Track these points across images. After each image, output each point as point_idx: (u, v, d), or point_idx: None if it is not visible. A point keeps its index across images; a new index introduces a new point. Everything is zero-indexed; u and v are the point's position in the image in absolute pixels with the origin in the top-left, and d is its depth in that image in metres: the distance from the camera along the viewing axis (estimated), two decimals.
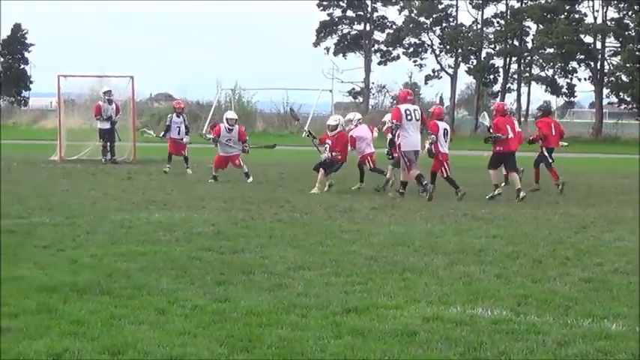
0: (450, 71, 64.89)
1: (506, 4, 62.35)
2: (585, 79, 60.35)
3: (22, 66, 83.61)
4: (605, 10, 58.30)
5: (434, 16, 63.61)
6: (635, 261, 10.70)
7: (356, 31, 68.75)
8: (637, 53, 56.16)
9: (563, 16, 57.62)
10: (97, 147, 28.62)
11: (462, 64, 64.30)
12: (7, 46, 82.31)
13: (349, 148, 20.36)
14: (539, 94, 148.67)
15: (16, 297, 8.19)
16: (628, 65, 55.94)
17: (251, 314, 7.75)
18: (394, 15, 72.52)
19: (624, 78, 57.76)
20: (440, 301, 8.45)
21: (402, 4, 65.04)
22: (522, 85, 62.91)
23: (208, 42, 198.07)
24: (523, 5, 61.43)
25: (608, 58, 59.26)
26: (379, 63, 68.29)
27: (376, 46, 68.22)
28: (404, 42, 66.06)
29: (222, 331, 7.18)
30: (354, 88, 68.65)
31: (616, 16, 58.64)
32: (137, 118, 33.54)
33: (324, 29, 68.32)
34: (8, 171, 23.52)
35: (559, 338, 7.13)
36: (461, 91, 77.61)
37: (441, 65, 65.22)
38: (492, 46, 63.62)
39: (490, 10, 63.47)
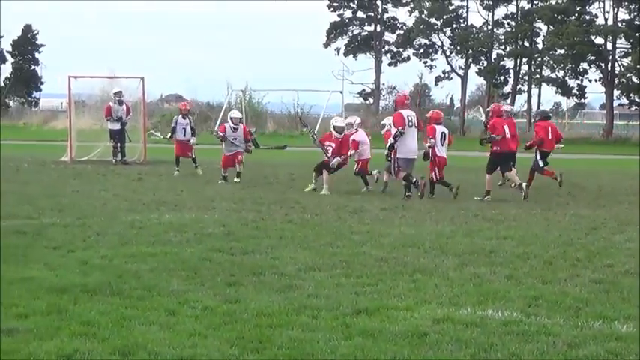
0: (461, 72, 64.85)
1: (517, 5, 62.31)
2: (596, 81, 60.34)
3: (33, 67, 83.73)
4: (615, 12, 58.25)
5: (444, 17, 63.53)
6: None
7: (366, 32, 68.76)
8: None
9: (573, 17, 57.58)
10: (108, 148, 28.64)
11: (472, 65, 64.31)
12: (18, 46, 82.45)
13: (351, 151, 20.33)
14: (549, 96, 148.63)
15: (26, 298, 8.21)
16: (638, 66, 55.76)
17: (261, 315, 7.75)
18: (405, 16, 72.94)
19: (635, 79, 57.60)
20: (450, 302, 8.44)
21: (412, 5, 64.97)
22: (533, 86, 62.81)
23: (219, 43, 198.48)
24: (533, 6, 61.35)
25: (618, 59, 59.14)
26: (390, 64, 68.36)
27: (387, 47, 68.24)
28: (414, 43, 66.02)
29: (232, 332, 7.18)
30: (364, 89, 68.68)
31: (627, 17, 58.53)
32: (147, 119, 33.52)
33: (335, 30, 68.34)
34: (17, 171, 23.59)
35: (569, 339, 7.12)
36: (471, 92, 77.66)
37: (451, 66, 65.23)
38: (503, 47, 63.58)
39: (501, 11, 63.51)
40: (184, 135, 25.17)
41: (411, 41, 65.92)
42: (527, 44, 62.48)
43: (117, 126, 27.97)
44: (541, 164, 20.65)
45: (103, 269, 9.73)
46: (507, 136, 19.10)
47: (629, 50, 57.81)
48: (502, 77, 63.60)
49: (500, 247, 11.78)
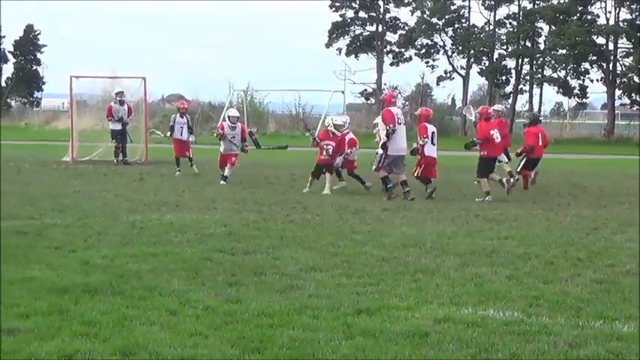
0: (462, 72, 64.75)
1: (519, 5, 62.19)
2: (597, 81, 60.26)
3: (35, 67, 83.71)
4: (617, 11, 58.14)
5: (446, 17, 63.43)
6: None
7: (368, 32, 68.64)
8: None
9: (575, 17, 57.52)
10: (109, 148, 28.66)
11: (474, 66, 64.16)
12: (20, 47, 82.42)
13: (348, 149, 20.41)
14: (551, 96, 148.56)
15: (27, 298, 8.21)
16: None
17: (262, 315, 7.76)
18: (406, 16, 72.45)
19: (636, 79, 57.57)
20: (451, 302, 8.44)
21: (414, 5, 64.92)
22: (534, 86, 62.73)
23: (220, 43, 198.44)
24: (535, 6, 61.25)
25: (620, 59, 59.06)
26: (391, 64, 68.19)
27: (388, 47, 68.09)
28: (416, 43, 65.90)
29: (233, 332, 7.19)
30: (366, 90, 68.56)
31: (628, 17, 58.48)
32: (149, 119, 33.52)
33: (337, 30, 68.22)
34: (18, 172, 23.59)
35: (570, 339, 7.12)
36: (473, 92, 77.55)
37: (453, 66, 65.11)
38: (504, 47, 63.47)
39: (502, 11, 63.36)
40: (181, 134, 25.33)
41: (412, 41, 65.82)
42: (528, 44, 62.37)
43: (118, 126, 27.97)
44: (519, 168, 20.89)
45: (104, 269, 9.74)
46: (496, 140, 18.96)
47: (631, 50, 57.73)
48: (504, 77, 63.48)
49: (502, 248, 11.79)
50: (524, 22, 61.20)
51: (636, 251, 11.67)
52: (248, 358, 6.59)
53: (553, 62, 59.91)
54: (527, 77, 62.71)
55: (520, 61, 62.43)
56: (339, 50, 68.27)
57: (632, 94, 58.52)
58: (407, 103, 61.56)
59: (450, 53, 65.16)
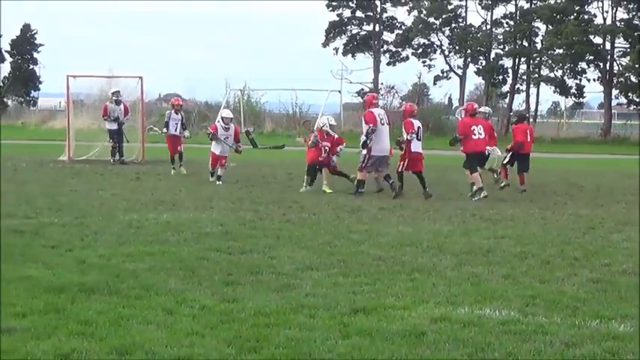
0: (459, 72, 64.76)
1: (516, 5, 62.21)
2: (594, 80, 60.27)
3: (32, 66, 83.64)
4: (614, 11, 58.23)
5: (443, 16, 63.46)
6: None
7: (365, 32, 68.63)
8: None
9: (572, 17, 57.52)
10: (106, 147, 28.65)
11: (471, 65, 64.20)
12: (17, 46, 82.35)
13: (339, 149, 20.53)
14: (548, 95, 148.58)
15: (24, 297, 8.21)
16: (637, 66, 55.75)
17: (259, 314, 7.76)
18: (403, 15, 72.64)
19: (633, 79, 57.60)
20: (448, 301, 8.44)
21: (411, 5, 64.92)
22: (531, 85, 62.75)
23: (218, 42, 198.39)
24: (532, 6, 61.28)
25: (617, 58, 59.15)
26: (388, 63, 68.20)
27: (385, 47, 68.10)
28: (413, 42, 65.91)
29: (230, 332, 7.19)
30: (362, 89, 68.45)
31: (625, 16, 58.50)
32: (146, 118, 33.51)
33: (333, 29, 68.22)
34: (15, 171, 23.58)
35: (567, 339, 7.12)
36: (470, 91, 77.41)
37: (450, 66, 65.15)
38: (501, 46, 63.46)
39: (499, 11, 63.50)
40: (176, 130, 25.43)
41: (409, 41, 65.83)
42: (525, 44, 62.41)
43: (114, 126, 27.96)
44: (505, 161, 20.92)
45: (100, 268, 9.73)
46: (477, 136, 18.98)
47: (628, 49, 57.78)
48: (501, 77, 63.49)
49: (498, 247, 11.80)
50: (521, 21, 61.23)
51: (632, 250, 11.69)
52: (244, 357, 6.58)
53: (550, 62, 59.92)
54: (524, 77, 62.73)
55: (517, 60, 62.45)
56: (336, 50, 68.33)
57: (629, 94, 58.56)
58: (403, 102, 61.51)
59: (446, 53, 65.23)
